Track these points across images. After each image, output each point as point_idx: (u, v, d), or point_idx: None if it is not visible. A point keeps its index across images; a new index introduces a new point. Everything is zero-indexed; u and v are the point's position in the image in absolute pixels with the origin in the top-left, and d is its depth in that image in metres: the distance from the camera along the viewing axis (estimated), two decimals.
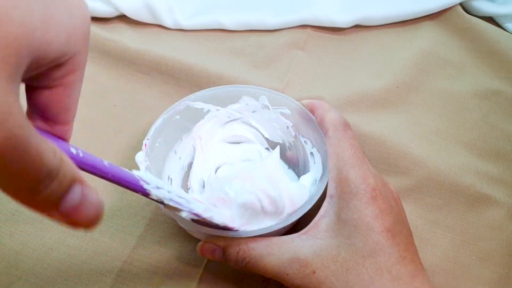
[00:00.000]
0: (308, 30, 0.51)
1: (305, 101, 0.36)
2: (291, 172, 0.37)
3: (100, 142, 0.41)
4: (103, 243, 0.34)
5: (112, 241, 0.34)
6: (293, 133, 0.37)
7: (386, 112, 0.42)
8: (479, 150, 0.40)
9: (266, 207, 0.30)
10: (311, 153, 0.36)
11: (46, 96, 0.17)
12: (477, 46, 0.48)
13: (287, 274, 0.26)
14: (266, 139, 0.39)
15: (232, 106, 0.37)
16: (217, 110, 0.37)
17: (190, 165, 0.38)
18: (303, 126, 0.36)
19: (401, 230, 0.27)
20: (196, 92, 0.37)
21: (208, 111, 0.37)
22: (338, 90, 0.43)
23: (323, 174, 0.31)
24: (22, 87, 0.16)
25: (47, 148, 0.14)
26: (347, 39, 0.50)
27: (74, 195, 0.16)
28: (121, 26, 0.51)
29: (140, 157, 0.32)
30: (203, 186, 0.37)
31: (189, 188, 0.37)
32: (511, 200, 0.37)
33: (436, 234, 0.35)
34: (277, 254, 0.27)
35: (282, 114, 0.36)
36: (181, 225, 0.32)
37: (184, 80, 0.45)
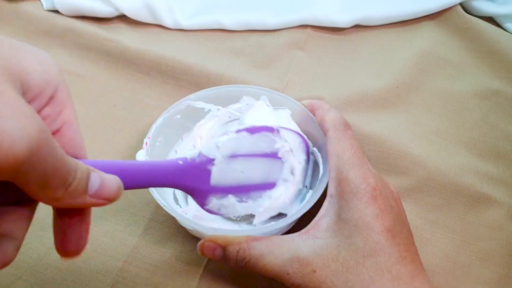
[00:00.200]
0: (308, 30, 0.51)
1: (305, 101, 0.36)
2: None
3: (100, 142, 0.41)
4: (103, 243, 0.34)
5: (112, 241, 0.34)
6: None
7: (386, 112, 0.42)
8: (479, 150, 0.40)
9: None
10: (311, 153, 0.36)
11: (60, 139, 0.22)
12: (477, 46, 0.48)
13: (287, 274, 0.26)
14: None
15: (233, 106, 0.37)
16: (218, 109, 0.37)
17: None
18: (303, 126, 0.36)
19: (401, 230, 0.27)
20: (197, 92, 0.37)
21: (209, 110, 0.37)
22: (338, 90, 0.43)
23: (323, 174, 0.31)
24: None
25: (63, 151, 0.17)
26: (347, 39, 0.50)
27: (95, 180, 0.19)
28: (121, 26, 0.51)
29: (140, 155, 0.32)
30: None
31: None
32: (511, 200, 0.37)
33: (436, 234, 0.35)
34: (277, 254, 0.27)
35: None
36: (181, 224, 0.32)
37: (184, 80, 0.45)
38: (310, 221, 0.29)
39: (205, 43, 0.50)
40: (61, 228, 0.21)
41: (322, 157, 0.33)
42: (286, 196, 0.32)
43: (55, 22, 0.50)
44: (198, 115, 0.37)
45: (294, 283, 0.26)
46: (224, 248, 0.28)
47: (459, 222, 0.36)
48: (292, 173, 0.33)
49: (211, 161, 0.30)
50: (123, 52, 0.47)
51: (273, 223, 0.29)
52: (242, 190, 0.31)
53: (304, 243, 0.27)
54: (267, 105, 0.37)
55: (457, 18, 0.51)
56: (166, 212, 0.29)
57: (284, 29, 0.51)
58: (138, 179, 0.25)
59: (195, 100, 0.36)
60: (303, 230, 0.28)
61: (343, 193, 0.28)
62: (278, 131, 0.32)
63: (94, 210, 0.36)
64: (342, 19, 0.50)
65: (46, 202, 0.18)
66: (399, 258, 0.26)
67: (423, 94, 0.44)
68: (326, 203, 0.29)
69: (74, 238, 0.21)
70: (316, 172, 0.35)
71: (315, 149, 0.35)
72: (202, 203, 0.30)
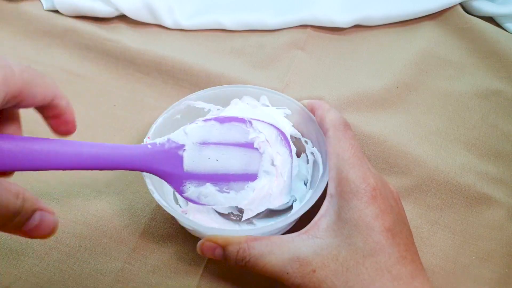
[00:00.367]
0: (308, 30, 0.51)
1: (305, 101, 0.36)
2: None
3: (100, 142, 0.40)
4: (103, 243, 0.34)
5: (112, 241, 0.34)
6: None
7: (386, 112, 0.42)
8: (479, 150, 0.40)
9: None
10: (311, 153, 0.36)
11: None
12: (477, 46, 0.48)
13: (287, 273, 0.26)
14: None
15: (233, 106, 0.37)
16: (218, 109, 0.37)
17: None
18: (303, 126, 0.36)
19: (401, 230, 0.27)
20: (197, 92, 0.37)
21: (209, 110, 0.37)
22: (338, 90, 0.43)
23: (323, 174, 0.31)
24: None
25: (11, 194, 0.21)
26: (347, 39, 0.50)
27: (34, 220, 0.22)
28: (121, 26, 0.51)
29: None
30: None
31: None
32: (511, 200, 0.37)
33: (436, 234, 0.35)
34: (277, 253, 0.27)
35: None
36: (182, 224, 0.32)
37: (184, 80, 0.45)
38: (310, 221, 0.29)
39: (205, 43, 0.50)
40: (50, 123, 0.26)
41: (322, 157, 0.33)
42: (270, 188, 0.33)
43: (55, 22, 0.50)
44: (198, 115, 0.37)
45: (294, 283, 0.26)
46: (224, 248, 0.28)
47: (459, 222, 0.36)
48: (272, 164, 0.33)
49: (181, 147, 0.30)
50: (123, 52, 0.47)
51: (272, 223, 0.29)
52: (220, 179, 0.32)
53: (304, 243, 0.27)
54: (266, 104, 0.37)
55: (457, 18, 0.51)
56: (166, 212, 0.29)
57: (284, 29, 0.51)
58: (108, 162, 0.27)
59: (195, 100, 0.36)
60: (303, 230, 0.28)
61: (343, 193, 0.28)
62: (250, 122, 0.33)
63: (94, 211, 0.36)
64: (342, 19, 0.50)
65: None
66: (399, 258, 0.26)
67: (423, 94, 0.44)
68: (326, 203, 0.29)
69: (63, 127, 0.26)
70: (316, 172, 0.35)
71: (315, 149, 0.35)
72: (179, 190, 0.31)
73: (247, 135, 0.33)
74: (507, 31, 0.50)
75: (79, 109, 0.44)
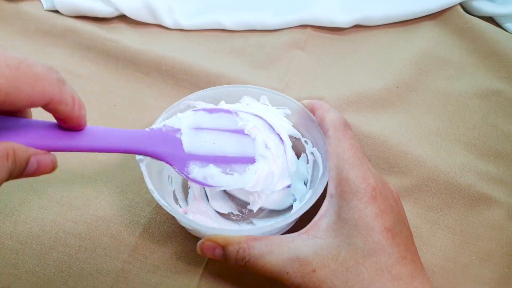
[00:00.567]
0: (308, 30, 0.51)
1: (305, 101, 0.36)
2: None
3: None
4: (103, 243, 0.34)
5: (112, 241, 0.34)
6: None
7: (386, 112, 0.43)
8: (479, 150, 0.40)
9: None
10: (311, 153, 0.36)
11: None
12: (477, 46, 0.48)
13: (287, 273, 0.26)
14: None
15: (233, 106, 0.37)
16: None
17: None
18: (303, 126, 0.36)
19: (401, 230, 0.27)
20: (197, 92, 0.37)
21: None
22: (338, 90, 0.43)
23: (323, 174, 0.31)
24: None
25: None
26: (347, 39, 0.50)
27: (32, 166, 0.23)
28: (121, 26, 0.51)
29: (140, 155, 0.32)
30: None
31: (189, 187, 0.37)
32: (511, 200, 0.37)
33: (436, 234, 0.35)
34: (277, 253, 0.27)
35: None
36: (182, 224, 0.32)
37: (184, 80, 0.45)
38: (310, 221, 0.29)
39: (205, 43, 0.50)
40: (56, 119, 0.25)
41: (322, 157, 0.33)
42: (271, 168, 0.33)
43: (55, 22, 0.50)
44: None
45: (293, 283, 0.26)
46: (224, 247, 0.28)
47: (459, 222, 0.36)
48: (266, 147, 0.33)
49: (177, 130, 0.32)
50: (123, 52, 0.47)
51: (272, 222, 0.29)
52: (221, 160, 0.32)
53: (303, 243, 0.27)
54: (266, 104, 0.37)
55: (457, 18, 0.51)
56: (166, 212, 0.29)
57: (284, 29, 0.51)
58: (110, 143, 0.28)
59: (195, 100, 0.36)
60: (302, 230, 0.28)
61: (343, 193, 0.28)
62: (236, 113, 0.34)
63: (94, 211, 0.36)
64: (342, 19, 0.50)
65: None
66: (399, 258, 0.26)
67: (423, 94, 0.44)
68: (326, 203, 0.29)
69: (68, 125, 0.26)
70: (316, 172, 0.35)
71: (315, 149, 0.35)
72: (185, 172, 0.31)
73: (235, 123, 0.34)
74: (507, 31, 0.50)
75: None
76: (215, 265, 0.33)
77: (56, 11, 0.51)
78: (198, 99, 0.36)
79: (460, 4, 0.52)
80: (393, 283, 0.25)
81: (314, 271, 0.26)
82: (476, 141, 0.40)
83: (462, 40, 0.49)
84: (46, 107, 0.23)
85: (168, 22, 0.51)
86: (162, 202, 0.30)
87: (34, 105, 0.22)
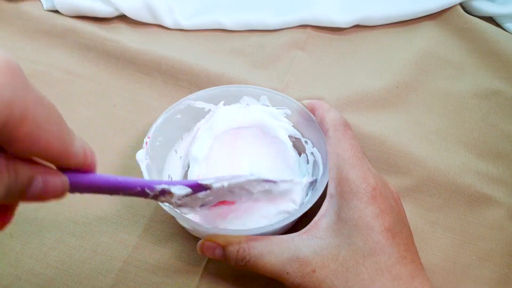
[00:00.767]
0: (308, 30, 0.51)
1: (305, 101, 0.36)
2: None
3: (100, 142, 0.41)
4: (103, 243, 0.34)
5: (112, 241, 0.34)
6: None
7: (386, 112, 0.43)
8: (479, 150, 0.40)
9: None
10: (311, 153, 0.36)
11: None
12: (477, 46, 0.48)
13: (287, 273, 0.26)
14: None
15: (233, 106, 0.37)
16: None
17: None
18: (303, 126, 0.36)
19: (401, 230, 0.27)
20: (197, 92, 0.37)
21: (209, 110, 0.37)
22: (338, 90, 0.43)
23: (323, 174, 0.31)
24: None
25: None
26: (347, 39, 0.50)
27: (36, 186, 0.19)
28: (121, 26, 0.51)
29: (140, 155, 0.32)
30: None
31: None
32: (511, 200, 0.37)
33: (436, 234, 0.35)
34: (277, 253, 0.27)
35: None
36: (182, 224, 0.32)
37: (184, 80, 0.45)
38: (310, 221, 0.29)
39: (205, 43, 0.50)
40: None
41: (322, 157, 0.33)
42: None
43: (55, 22, 0.50)
44: (198, 115, 0.37)
45: (293, 283, 0.26)
46: (224, 247, 0.28)
47: (459, 222, 0.36)
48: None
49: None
50: (123, 52, 0.47)
51: (272, 222, 0.29)
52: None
53: (303, 243, 0.27)
54: (266, 104, 0.37)
55: (457, 18, 0.51)
56: (166, 212, 0.29)
57: (284, 29, 0.51)
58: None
59: (195, 100, 0.36)
60: (303, 230, 0.28)
61: (343, 193, 0.28)
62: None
63: (94, 211, 0.36)
64: (342, 19, 0.50)
65: None
66: (399, 258, 0.26)
67: (423, 94, 0.44)
68: (326, 203, 0.29)
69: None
70: (316, 172, 0.35)
71: (315, 149, 0.35)
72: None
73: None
74: (507, 31, 0.50)
75: (79, 109, 0.44)
76: (215, 265, 0.33)
77: (56, 11, 0.51)
78: (198, 99, 0.36)
79: (460, 4, 0.52)
80: (393, 283, 0.25)
81: (314, 271, 0.26)
82: (476, 141, 0.40)
83: (462, 40, 0.49)
84: (55, 162, 0.20)
85: (168, 22, 0.51)
86: None
87: (40, 156, 0.19)
